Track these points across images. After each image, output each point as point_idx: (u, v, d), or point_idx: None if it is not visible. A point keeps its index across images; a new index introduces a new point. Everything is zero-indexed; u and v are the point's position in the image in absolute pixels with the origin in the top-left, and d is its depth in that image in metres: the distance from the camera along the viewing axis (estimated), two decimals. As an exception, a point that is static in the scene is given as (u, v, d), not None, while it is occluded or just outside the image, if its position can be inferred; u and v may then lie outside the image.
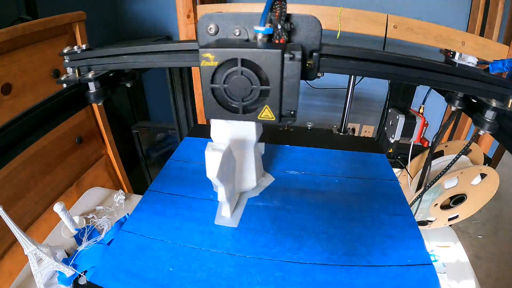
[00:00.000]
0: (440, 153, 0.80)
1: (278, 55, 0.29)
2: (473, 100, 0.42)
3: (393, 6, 1.27)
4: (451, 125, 1.26)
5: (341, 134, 0.97)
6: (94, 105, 1.03)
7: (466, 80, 0.37)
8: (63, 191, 0.94)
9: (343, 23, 0.95)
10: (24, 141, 0.39)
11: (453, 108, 0.45)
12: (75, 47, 0.46)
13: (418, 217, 0.77)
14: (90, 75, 0.44)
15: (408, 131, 0.66)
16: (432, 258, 0.68)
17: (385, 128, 0.73)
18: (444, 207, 0.79)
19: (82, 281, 0.55)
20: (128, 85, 0.52)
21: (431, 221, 0.81)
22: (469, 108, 0.43)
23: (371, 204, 0.53)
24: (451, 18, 1.26)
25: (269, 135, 0.63)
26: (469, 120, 1.18)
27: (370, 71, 0.36)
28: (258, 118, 0.32)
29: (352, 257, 0.43)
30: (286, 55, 0.29)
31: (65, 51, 0.45)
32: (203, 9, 1.04)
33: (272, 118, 0.32)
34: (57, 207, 0.61)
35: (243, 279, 0.40)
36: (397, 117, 0.65)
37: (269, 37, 0.32)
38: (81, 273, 0.55)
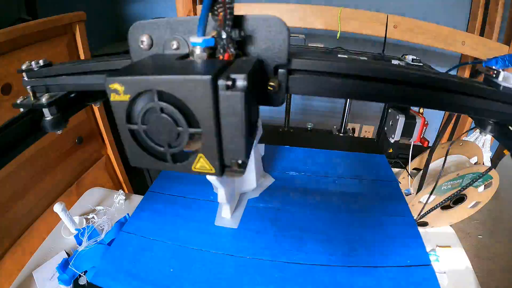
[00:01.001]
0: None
1: (205, 83, 0.20)
2: (510, 127, 0.33)
3: (393, 6, 1.27)
4: (451, 125, 1.26)
5: (341, 134, 0.97)
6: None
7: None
8: (63, 191, 0.94)
9: (343, 23, 0.95)
10: (24, 141, 0.38)
11: (483, 135, 0.39)
12: (33, 63, 0.37)
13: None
14: (43, 99, 0.36)
15: (408, 131, 0.66)
16: (434, 258, 0.68)
17: (385, 128, 0.73)
18: (444, 207, 0.79)
19: (82, 281, 0.55)
20: (97, 105, 0.44)
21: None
22: (503, 136, 0.34)
23: (371, 205, 0.53)
24: (451, 18, 1.26)
25: (269, 136, 0.63)
26: (469, 120, 1.18)
27: (362, 94, 0.27)
28: (193, 169, 0.24)
29: (351, 258, 0.43)
30: (221, 83, 0.20)
31: (23, 67, 0.37)
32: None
33: (211, 170, 0.24)
34: (57, 207, 0.61)
35: (243, 279, 0.40)
36: (397, 117, 0.65)
37: (212, 51, 0.24)
38: (81, 273, 0.55)
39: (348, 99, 0.95)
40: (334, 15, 0.94)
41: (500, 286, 1.14)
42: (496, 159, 0.94)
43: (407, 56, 0.55)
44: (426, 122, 0.66)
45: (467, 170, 0.71)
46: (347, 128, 0.99)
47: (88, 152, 1.05)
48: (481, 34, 1.18)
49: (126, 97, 0.22)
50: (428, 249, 0.57)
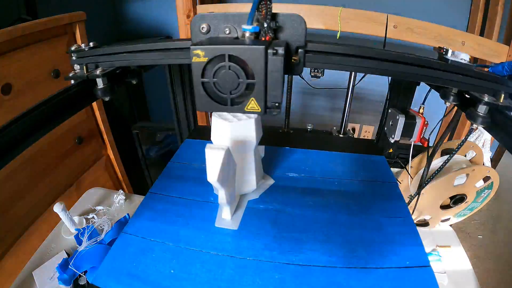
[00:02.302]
0: (449, 152, 0.79)
1: (261, 50, 0.31)
2: (466, 95, 0.43)
3: (393, 6, 1.27)
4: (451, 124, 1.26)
5: (341, 136, 0.97)
6: (94, 105, 1.03)
7: (459, 76, 0.39)
8: (63, 191, 0.94)
9: (343, 23, 0.95)
10: (24, 141, 0.38)
11: (447, 104, 0.46)
12: (82, 45, 0.47)
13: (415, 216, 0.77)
14: (98, 72, 0.46)
15: (408, 131, 0.66)
16: (436, 258, 0.68)
17: (385, 128, 0.73)
18: (444, 207, 0.79)
19: (82, 281, 0.55)
20: (134, 82, 0.54)
21: (426, 220, 0.81)
22: (463, 104, 0.44)
23: (370, 207, 0.53)
24: (451, 18, 1.26)
25: (269, 137, 0.63)
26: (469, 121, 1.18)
27: (354, 66, 0.38)
28: (245, 109, 0.34)
29: (351, 259, 0.43)
30: (270, 51, 0.31)
31: (72, 48, 0.47)
32: (203, 9, 1.04)
33: (258, 109, 0.34)
34: (57, 207, 0.61)
35: (243, 281, 0.41)
36: (397, 117, 0.65)
37: (256, 35, 0.34)
38: (81, 273, 0.55)
39: (348, 99, 0.95)
40: (334, 15, 0.94)
41: (499, 286, 1.14)
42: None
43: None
44: (426, 122, 0.66)
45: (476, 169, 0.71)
46: (347, 129, 0.99)
47: (88, 152, 1.05)
48: (481, 34, 1.18)
49: (205, 59, 0.32)
50: (428, 249, 0.57)
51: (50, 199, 0.89)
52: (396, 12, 0.96)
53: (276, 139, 0.74)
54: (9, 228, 0.77)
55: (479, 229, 1.39)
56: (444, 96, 0.46)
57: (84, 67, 0.46)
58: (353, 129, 1.61)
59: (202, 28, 0.37)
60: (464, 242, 1.32)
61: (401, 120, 0.65)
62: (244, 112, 0.35)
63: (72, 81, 0.46)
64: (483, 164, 0.79)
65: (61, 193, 0.93)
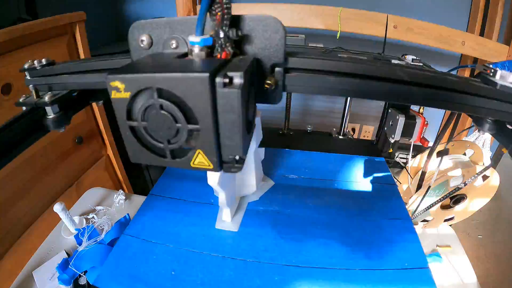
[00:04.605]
0: (446, 152, 0.79)
1: (203, 81, 0.20)
2: (508, 126, 0.33)
3: (393, 6, 1.27)
4: (451, 125, 1.26)
5: (341, 137, 0.97)
6: (94, 105, 1.03)
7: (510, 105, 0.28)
8: (63, 191, 0.94)
9: (343, 23, 0.95)
10: (24, 141, 0.38)
11: (481, 133, 0.39)
12: (35, 62, 0.38)
13: (419, 218, 0.77)
14: (46, 98, 0.36)
15: (408, 131, 0.66)
16: (436, 258, 0.68)
17: (385, 128, 0.73)
18: (444, 207, 0.79)
19: (82, 281, 0.55)
20: (99, 104, 0.46)
21: (427, 221, 0.81)
22: (500, 134, 0.35)
23: (370, 208, 0.53)
24: (451, 18, 1.26)
25: (269, 139, 0.63)
26: (469, 120, 1.18)
27: (358, 91, 0.27)
28: (191, 165, 0.25)
29: (350, 261, 0.43)
30: (219, 80, 0.21)
31: (26, 66, 0.38)
32: (203, 9, 1.04)
33: (209, 166, 0.24)
34: (57, 207, 0.61)
35: (243, 282, 0.41)
36: (397, 117, 0.65)
37: (210, 49, 0.25)
38: (81, 273, 0.55)
39: (348, 100, 0.95)
40: (334, 15, 0.94)
41: (499, 286, 1.14)
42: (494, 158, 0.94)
43: (406, 56, 0.55)
44: (426, 122, 0.66)
45: (442, 179, 0.71)
46: (347, 130, 0.99)
47: (88, 152, 1.05)
48: (481, 34, 1.18)
49: (127, 95, 0.22)
50: (428, 249, 0.57)
51: (50, 199, 0.89)
52: (396, 12, 0.96)
53: (276, 140, 0.74)
54: (9, 228, 0.77)
55: (479, 229, 1.39)
56: (479, 124, 0.35)
57: (34, 90, 0.37)
58: (353, 129, 1.61)
59: (142, 41, 0.27)
60: (464, 242, 1.32)
61: (401, 120, 0.65)
62: (191, 169, 0.25)
63: (24, 108, 0.38)
64: (483, 164, 0.79)
65: (61, 193, 0.93)
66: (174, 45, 0.27)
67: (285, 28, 0.25)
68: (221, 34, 0.24)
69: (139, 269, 0.43)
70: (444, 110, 1.48)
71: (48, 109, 0.37)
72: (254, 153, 0.51)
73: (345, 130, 0.97)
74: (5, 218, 0.76)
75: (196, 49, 0.24)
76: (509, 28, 1.09)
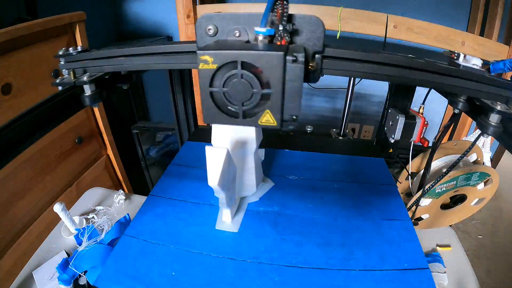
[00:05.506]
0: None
1: (280, 57, 0.27)
2: (477, 103, 0.40)
3: (393, 6, 1.27)
4: (451, 125, 1.26)
5: (340, 138, 0.97)
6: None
7: (471, 82, 0.36)
8: (63, 191, 0.94)
9: (343, 23, 0.95)
10: (24, 141, 0.39)
11: (456, 111, 0.43)
12: (71, 49, 0.45)
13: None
14: (85, 78, 0.43)
15: (408, 131, 0.66)
16: (436, 258, 0.68)
17: (385, 128, 0.73)
18: (444, 206, 0.79)
19: (82, 281, 0.55)
20: (125, 87, 0.51)
21: (421, 219, 0.80)
22: (472, 111, 0.42)
23: (369, 209, 0.53)
24: (451, 18, 1.26)
25: (269, 139, 0.63)
26: (469, 119, 1.18)
27: (372, 73, 0.35)
28: (259, 123, 0.31)
29: (350, 262, 0.43)
30: (289, 57, 0.28)
31: (60, 52, 0.44)
32: (203, 9, 1.04)
33: (274, 123, 0.31)
34: (57, 207, 0.61)
35: (244, 283, 0.41)
36: (397, 117, 0.65)
37: (270, 38, 0.31)
38: (81, 273, 0.55)
39: (348, 100, 0.95)
40: (334, 15, 0.94)
41: (499, 286, 1.14)
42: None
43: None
44: (426, 122, 0.66)
45: (459, 172, 0.71)
46: (346, 130, 0.99)
47: (88, 152, 1.05)
48: (481, 34, 1.18)
49: (214, 66, 0.28)
50: (428, 249, 0.57)
51: (50, 199, 0.89)
52: (396, 12, 0.96)
53: (276, 141, 0.74)
54: (9, 228, 0.77)
55: (479, 229, 1.39)
56: (453, 103, 0.43)
57: (72, 72, 0.43)
58: (353, 129, 1.61)
59: (209, 29, 0.33)
60: (464, 242, 1.32)
61: (401, 120, 0.65)
62: (258, 126, 0.31)
63: (60, 88, 0.44)
64: (483, 164, 0.79)
65: (61, 193, 0.93)
66: (237, 34, 0.33)
67: (324, 25, 0.32)
68: (281, 27, 0.31)
69: (140, 269, 0.43)
70: (444, 110, 1.48)
71: (86, 87, 0.43)
72: (254, 154, 0.51)
73: (345, 130, 0.97)
74: (5, 218, 0.76)
75: (261, 37, 0.31)
76: (509, 28, 1.08)
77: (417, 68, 0.34)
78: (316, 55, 0.33)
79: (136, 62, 0.40)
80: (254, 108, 0.30)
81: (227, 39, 0.34)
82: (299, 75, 0.29)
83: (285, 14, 0.31)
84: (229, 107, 0.31)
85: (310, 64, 0.33)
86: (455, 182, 0.72)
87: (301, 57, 0.28)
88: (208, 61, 0.28)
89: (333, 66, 0.34)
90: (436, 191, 0.73)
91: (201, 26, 0.34)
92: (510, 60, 0.39)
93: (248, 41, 0.33)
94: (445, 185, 0.72)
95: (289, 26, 0.31)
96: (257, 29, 0.30)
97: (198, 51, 0.28)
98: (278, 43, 0.31)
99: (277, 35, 0.31)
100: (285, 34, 0.31)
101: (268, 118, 0.30)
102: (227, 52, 0.28)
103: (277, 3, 0.31)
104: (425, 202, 0.74)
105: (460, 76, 0.35)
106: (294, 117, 0.31)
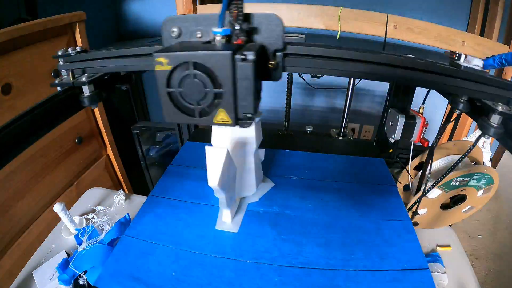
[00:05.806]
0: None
1: (227, 56, 0.28)
2: (477, 103, 0.40)
3: (393, 6, 1.27)
4: (451, 124, 1.26)
5: (340, 138, 0.97)
6: (94, 105, 1.03)
7: (472, 83, 0.36)
8: (63, 191, 0.94)
9: (343, 23, 0.95)
10: (24, 141, 0.39)
11: (457, 112, 0.43)
12: (69, 49, 0.45)
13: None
14: (84, 78, 0.43)
15: (408, 131, 0.66)
16: (436, 258, 0.68)
17: (385, 128, 0.73)
18: (444, 206, 0.79)
19: (82, 281, 0.55)
20: (124, 88, 0.51)
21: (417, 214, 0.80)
22: (473, 112, 0.41)
23: (369, 209, 0.53)
24: (451, 18, 1.26)
25: (269, 140, 0.63)
26: (469, 119, 1.18)
27: (337, 70, 0.35)
28: (214, 121, 0.32)
29: (349, 262, 0.44)
30: (238, 56, 0.28)
31: (59, 53, 0.44)
32: (203, 9, 1.04)
33: (228, 121, 0.32)
34: (57, 207, 0.61)
35: (244, 283, 0.41)
36: (397, 117, 0.65)
37: (228, 38, 0.32)
38: (81, 273, 0.55)
39: (348, 100, 0.95)
40: (334, 15, 0.94)
41: (499, 286, 1.14)
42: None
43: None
44: (426, 122, 0.66)
45: (476, 169, 0.70)
46: (346, 130, 0.99)
47: (88, 152, 1.05)
48: (481, 34, 1.18)
49: (169, 67, 0.30)
50: (428, 249, 0.57)
51: (50, 199, 0.89)
52: (396, 12, 0.96)
53: (276, 141, 0.74)
54: (9, 228, 0.77)
55: (479, 229, 1.39)
56: (454, 103, 0.43)
57: (70, 73, 0.43)
58: (353, 129, 1.61)
59: (173, 32, 0.35)
60: (464, 242, 1.32)
61: (401, 120, 0.65)
62: (213, 124, 0.32)
63: (59, 88, 0.44)
64: (483, 164, 0.79)
65: (61, 193, 0.93)
66: (199, 35, 0.35)
67: (283, 23, 0.33)
68: (237, 26, 0.32)
69: (140, 270, 0.43)
70: (444, 110, 1.48)
71: (85, 88, 0.44)
72: (254, 154, 0.51)
73: (345, 130, 0.97)
74: (5, 218, 0.76)
75: (218, 37, 0.32)
76: (509, 28, 1.08)
77: (401, 66, 0.35)
78: (277, 53, 0.34)
79: (135, 62, 0.40)
80: (209, 106, 0.31)
81: (190, 40, 0.35)
82: (250, 74, 0.29)
83: (240, 14, 0.32)
84: (186, 106, 0.32)
85: (270, 63, 0.34)
86: (469, 178, 0.72)
87: (251, 55, 0.28)
88: (163, 63, 0.29)
89: (296, 64, 0.34)
90: (451, 184, 0.72)
91: (165, 29, 0.35)
92: (500, 55, 0.39)
93: (208, 42, 0.34)
94: (460, 179, 0.72)
95: (245, 25, 0.32)
96: (215, 29, 0.32)
97: (154, 54, 0.29)
98: (234, 42, 0.33)
99: (233, 34, 0.33)
100: (241, 34, 0.32)
101: (222, 117, 0.32)
102: (180, 53, 0.29)
103: (232, 3, 0.32)
104: (434, 193, 0.73)
105: (461, 77, 0.36)
106: (249, 115, 0.31)
